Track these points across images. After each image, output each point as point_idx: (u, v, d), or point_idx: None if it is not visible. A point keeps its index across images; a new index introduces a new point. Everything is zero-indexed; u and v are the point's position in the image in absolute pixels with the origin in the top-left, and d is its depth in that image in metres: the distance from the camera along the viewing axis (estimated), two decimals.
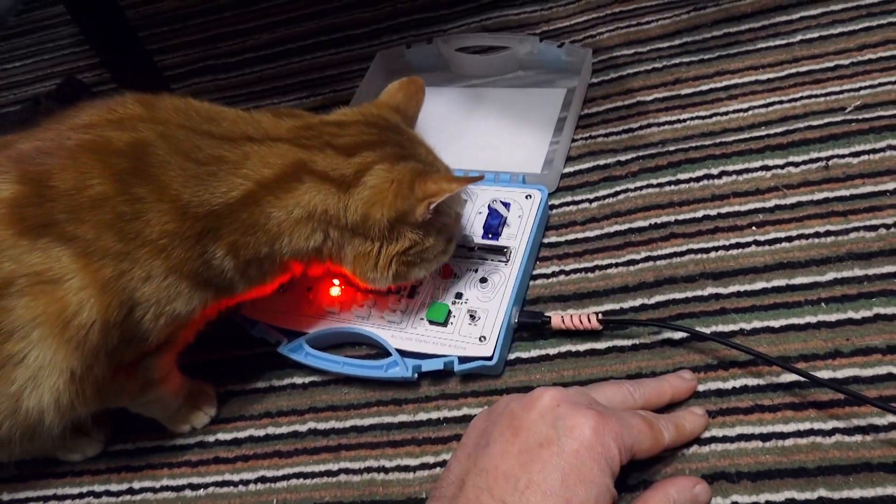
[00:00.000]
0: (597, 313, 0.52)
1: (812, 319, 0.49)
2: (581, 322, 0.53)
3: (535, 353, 0.54)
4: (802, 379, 0.45)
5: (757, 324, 0.50)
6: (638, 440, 0.41)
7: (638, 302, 0.54)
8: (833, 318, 0.49)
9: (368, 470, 0.51)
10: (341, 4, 0.93)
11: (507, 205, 0.60)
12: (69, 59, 1.05)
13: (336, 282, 0.59)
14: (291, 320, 0.59)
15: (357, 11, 0.91)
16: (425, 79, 0.77)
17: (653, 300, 0.54)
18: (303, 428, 0.55)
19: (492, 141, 0.69)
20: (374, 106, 0.56)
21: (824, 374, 0.46)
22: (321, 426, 0.55)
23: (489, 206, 0.60)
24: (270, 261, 0.49)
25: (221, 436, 0.57)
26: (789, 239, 0.54)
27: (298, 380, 0.58)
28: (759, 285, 0.52)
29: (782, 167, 0.58)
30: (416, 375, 0.54)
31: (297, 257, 0.50)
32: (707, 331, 0.50)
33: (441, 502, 0.40)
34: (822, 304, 0.49)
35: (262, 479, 0.53)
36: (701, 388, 0.48)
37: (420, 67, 0.78)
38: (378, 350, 0.57)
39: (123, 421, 0.58)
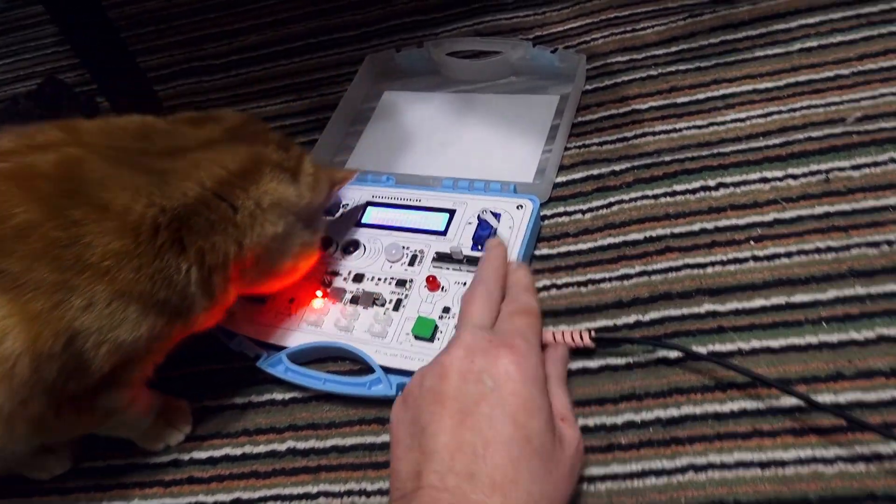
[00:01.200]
0: (589, 330, 0.50)
1: (813, 340, 0.47)
2: (573, 339, 0.50)
3: None
4: (803, 403, 0.43)
5: (756, 343, 0.48)
6: (536, 335, 0.43)
7: (632, 318, 0.52)
8: (835, 338, 0.47)
9: (349, 493, 0.49)
10: (331, 6, 0.91)
11: (497, 215, 0.58)
12: (51, 59, 1.02)
13: (319, 294, 0.57)
14: (271, 333, 0.56)
15: (347, 14, 0.89)
16: (416, 83, 0.76)
17: (647, 317, 0.52)
18: (281, 447, 0.53)
19: (482, 148, 0.67)
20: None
21: (826, 398, 0.44)
22: (301, 445, 0.52)
23: (479, 216, 0.58)
24: (237, 262, 0.47)
25: (196, 454, 0.54)
26: (789, 254, 0.52)
27: (278, 396, 0.56)
28: (757, 303, 0.50)
29: (781, 179, 0.56)
30: (400, 394, 0.51)
31: (256, 254, 0.48)
32: (704, 350, 0.48)
33: (404, 502, 0.37)
34: (824, 323, 0.48)
35: (238, 502, 0.51)
36: (697, 410, 0.46)
37: (410, 72, 0.76)
38: (362, 365, 0.54)
39: (93, 437, 0.55)
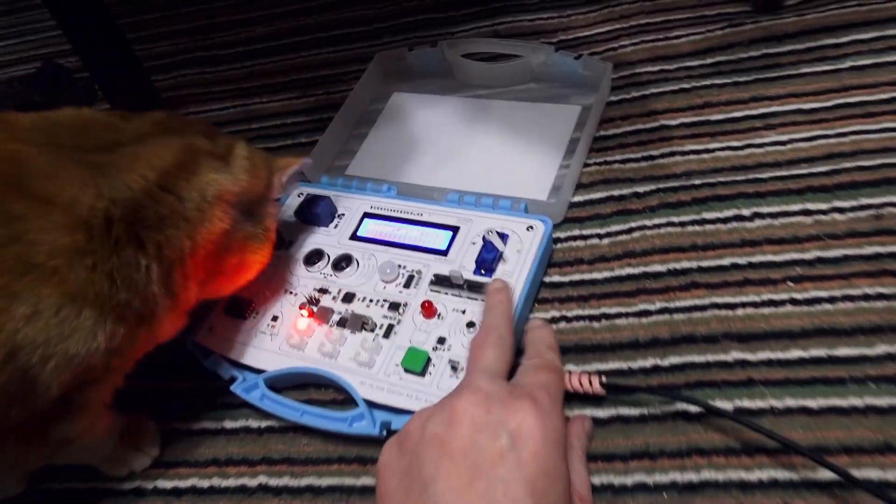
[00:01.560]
0: (600, 375, 0.45)
1: (857, 402, 0.41)
2: (581, 384, 0.45)
3: None
4: (842, 479, 0.37)
5: (790, 402, 0.42)
6: (560, 392, 0.40)
7: (649, 362, 0.46)
8: (884, 402, 0.41)
9: None
10: (343, 0, 0.86)
11: (504, 236, 0.52)
12: (56, 42, 0.98)
13: (304, 313, 0.52)
14: (250, 354, 0.51)
15: (360, 8, 0.84)
16: (427, 85, 0.71)
17: (667, 361, 0.46)
18: (252, 482, 0.48)
19: (494, 160, 0.61)
20: None
21: (870, 474, 0.38)
22: (273, 482, 0.47)
23: (484, 237, 0.52)
24: (193, 258, 0.44)
25: (161, 483, 0.49)
26: (832, 300, 0.46)
27: (254, 423, 0.51)
28: (794, 354, 0.44)
29: (826, 213, 0.50)
30: (384, 433, 0.46)
31: (209, 251, 0.45)
32: (730, 406, 0.43)
33: None
34: (871, 383, 0.42)
35: None
36: (720, 476, 0.40)
37: (422, 72, 0.70)
38: (345, 396, 0.49)
39: None
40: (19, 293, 0.35)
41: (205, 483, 0.48)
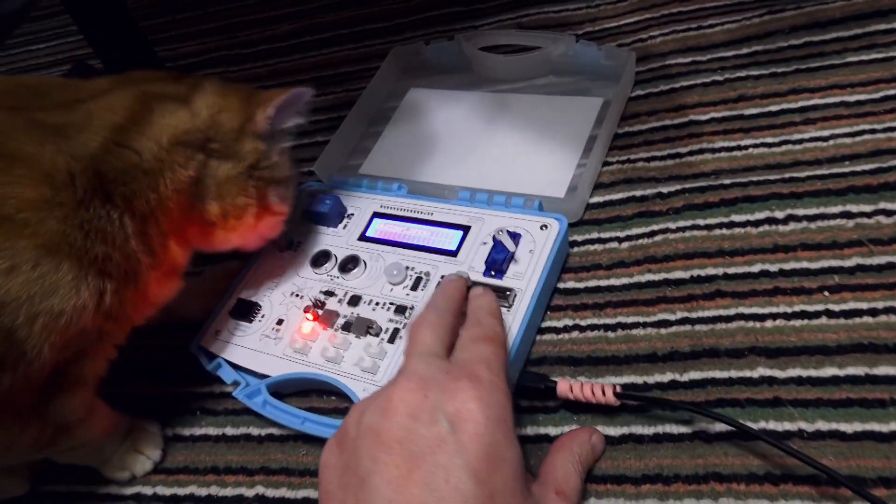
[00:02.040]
0: (613, 385, 0.41)
1: None
2: (593, 394, 0.42)
3: (531, 430, 0.43)
4: None
5: (822, 425, 0.38)
6: (502, 365, 0.36)
7: (667, 377, 0.43)
8: None
9: None
10: None
11: (516, 236, 0.49)
12: (86, 44, 1.00)
13: (309, 316, 0.50)
14: (253, 359, 0.50)
15: (382, 3, 0.82)
16: (444, 80, 0.68)
17: (686, 376, 0.42)
18: (250, 493, 0.46)
19: (510, 156, 0.59)
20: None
21: None
22: (270, 493, 0.46)
23: (494, 236, 0.50)
24: (163, 212, 0.43)
25: (161, 489, 0.48)
26: (873, 312, 0.41)
27: (255, 430, 0.49)
28: (828, 371, 0.40)
29: (870, 215, 0.46)
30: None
31: (181, 203, 0.44)
32: (754, 426, 0.39)
33: None
34: None
35: None
36: None
37: (439, 67, 0.68)
38: (348, 403, 0.47)
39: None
40: None
41: (203, 491, 0.47)
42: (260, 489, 0.46)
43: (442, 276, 0.49)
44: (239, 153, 0.46)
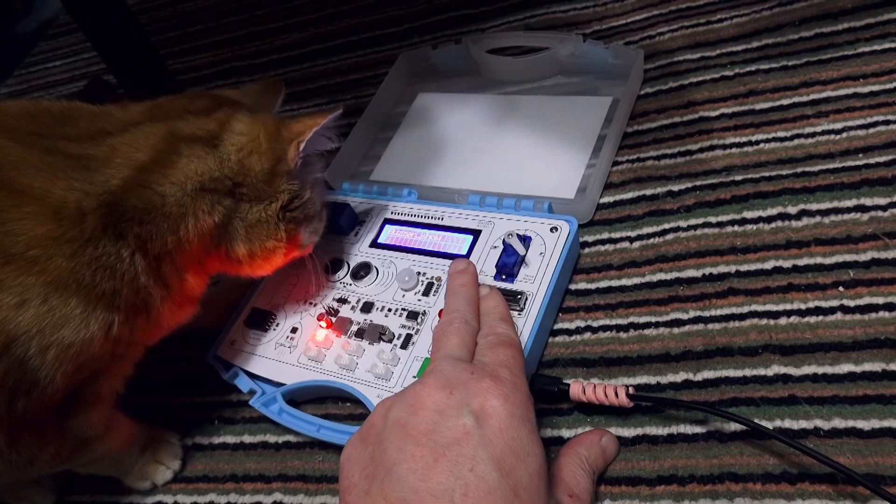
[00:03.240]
0: (626, 387, 0.41)
1: None
2: (606, 395, 0.42)
3: (546, 433, 0.43)
4: None
5: (839, 422, 0.38)
6: (521, 368, 0.37)
7: (680, 377, 0.42)
8: None
9: None
10: (375, 1, 0.85)
11: (526, 239, 0.49)
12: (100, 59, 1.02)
13: (322, 324, 0.51)
14: (269, 368, 0.51)
15: (392, 8, 0.82)
16: (453, 84, 0.68)
17: (700, 376, 0.42)
18: (268, 500, 0.47)
19: (519, 159, 0.59)
20: (222, 90, 0.51)
21: None
22: (288, 500, 0.46)
23: (504, 240, 0.50)
24: (181, 252, 0.42)
25: (181, 498, 0.49)
26: (890, 307, 0.41)
27: (272, 438, 0.50)
28: (844, 368, 0.39)
29: (884, 208, 0.45)
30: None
31: (204, 244, 0.43)
32: (769, 426, 0.38)
33: None
34: None
35: None
36: None
37: (447, 71, 0.68)
38: (363, 410, 0.48)
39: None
40: (3, 282, 0.36)
41: (222, 499, 0.48)
42: (278, 496, 0.47)
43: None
44: (270, 194, 0.44)
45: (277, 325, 0.53)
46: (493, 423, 0.32)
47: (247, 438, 0.51)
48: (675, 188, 0.51)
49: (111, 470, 0.49)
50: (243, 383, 0.51)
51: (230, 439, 0.51)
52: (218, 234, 0.44)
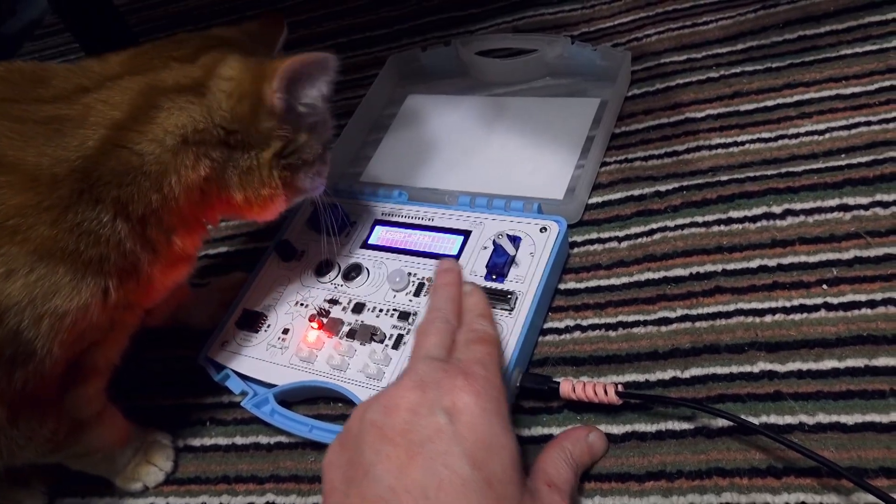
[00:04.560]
0: (615, 385, 0.42)
1: None
2: (595, 393, 0.42)
3: (536, 431, 0.44)
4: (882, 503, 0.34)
5: (823, 417, 0.38)
6: (496, 364, 0.37)
7: (668, 374, 0.43)
8: None
9: None
10: (364, 3, 0.85)
11: (515, 239, 0.50)
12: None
13: (314, 325, 0.51)
14: (261, 369, 0.51)
15: (382, 10, 0.83)
16: (442, 86, 0.69)
17: (687, 373, 0.43)
18: (260, 500, 0.47)
19: (509, 160, 0.59)
20: (215, 29, 0.48)
21: None
22: (280, 500, 0.46)
23: (494, 240, 0.50)
24: (167, 211, 0.41)
25: (173, 499, 0.49)
26: (872, 304, 0.42)
27: (263, 439, 0.50)
28: (828, 364, 0.40)
29: (866, 207, 0.46)
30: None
31: (191, 198, 0.42)
32: (755, 422, 0.39)
33: None
34: None
35: None
36: (743, 499, 0.37)
37: (436, 73, 0.69)
38: None
39: (71, 472, 0.51)
40: None
41: (214, 500, 0.48)
42: (270, 497, 0.47)
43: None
44: (261, 141, 0.42)
45: (269, 326, 0.53)
46: (464, 419, 0.33)
47: (239, 440, 0.51)
48: (663, 188, 0.52)
49: (103, 468, 0.49)
50: (235, 385, 0.51)
51: (222, 440, 0.51)
52: (210, 185, 0.42)
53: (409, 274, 0.51)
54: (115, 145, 0.39)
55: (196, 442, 0.52)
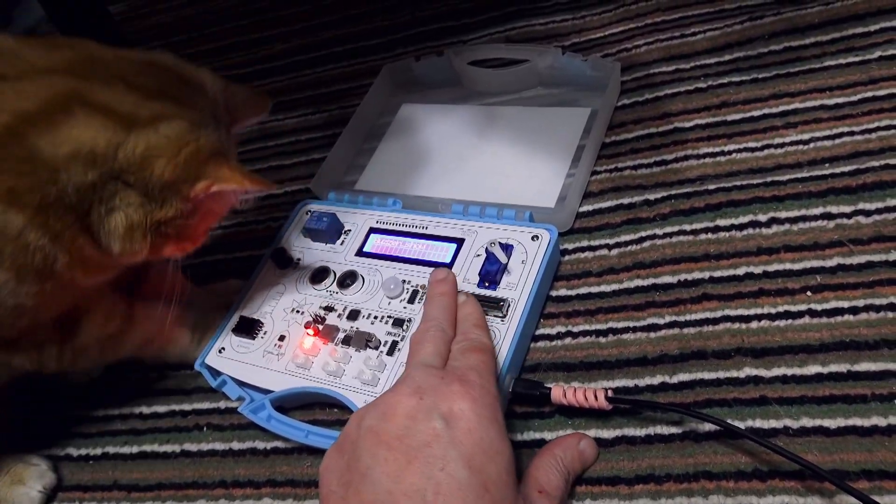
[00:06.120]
0: (605, 390, 0.43)
1: (881, 422, 0.38)
2: (586, 398, 0.43)
3: (528, 435, 0.45)
4: None
5: (807, 422, 0.39)
6: (491, 372, 0.39)
7: (657, 379, 0.44)
8: None
9: None
10: (359, 13, 0.86)
11: (508, 247, 0.51)
12: None
13: (310, 332, 0.52)
14: (257, 375, 0.51)
15: (376, 20, 0.84)
16: (435, 95, 0.70)
17: (675, 378, 0.44)
18: None
19: (501, 168, 0.60)
20: (202, 70, 0.48)
21: (894, 501, 0.35)
22: None
23: (487, 248, 0.51)
24: (68, 204, 0.40)
25: None
26: (854, 310, 0.43)
27: (260, 444, 0.51)
28: (812, 369, 0.41)
29: (849, 216, 0.47)
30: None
31: (85, 198, 0.41)
32: (741, 425, 0.40)
33: None
34: None
35: None
36: (729, 501, 0.38)
37: (430, 82, 0.70)
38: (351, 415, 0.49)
39: (73, 472, 0.52)
40: None
41: None
42: (267, 501, 0.48)
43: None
44: (155, 198, 0.42)
45: (265, 332, 0.53)
46: (461, 425, 0.34)
47: (236, 445, 0.51)
48: (652, 197, 0.53)
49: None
50: (232, 390, 0.52)
51: (219, 446, 0.52)
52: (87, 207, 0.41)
53: (404, 281, 0.52)
54: (16, 134, 0.39)
55: (193, 447, 0.52)
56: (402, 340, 0.49)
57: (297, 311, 0.54)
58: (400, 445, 0.33)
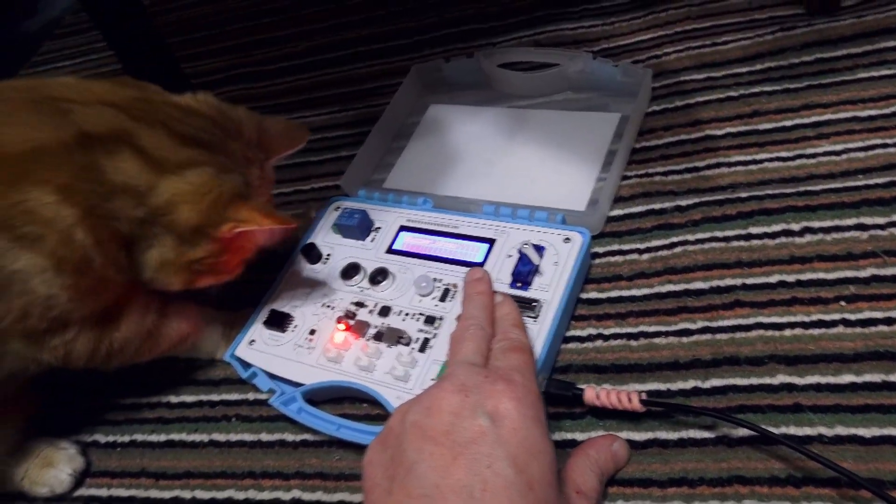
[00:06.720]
0: (639, 392, 0.43)
1: None
2: (619, 401, 0.43)
3: (558, 436, 0.45)
4: None
5: (841, 430, 0.40)
6: (532, 372, 0.39)
7: (689, 384, 0.44)
8: None
9: None
10: (385, 13, 0.86)
11: (540, 249, 0.51)
12: (116, 59, 1.02)
13: (341, 327, 0.52)
14: (288, 368, 0.52)
15: (402, 21, 0.84)
16: (464, 97, 0.70)
17: (708, 383, 0.44)
18: (286, 496, 0.48)
19: (531, 171, 0.60)
20: (239, 110, 0.51)
21: None
22: (306, 497, 0.48)
23: (519, 250, 0.51)
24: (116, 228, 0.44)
25: (199, 493, 0.50)
26: (889, 321, 0.43)
27: (289, 436, 0.51)
28: (846, 378, 0.42)
29: (883, 227, 0.47)
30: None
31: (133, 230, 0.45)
32: (775, 432, 0.40)
33: None
34: None
35: None
36: None
37: (459, 84, 0.70)
38: (379, 410, 0.49)
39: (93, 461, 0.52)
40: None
41: (241, 495, 0.49)
42: (296, 493, 0.48)
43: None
44: (187, 240, 0.45)
45: (296, 326, 0.54)
46: (507, 424, 0.34)
47: (264, 437, 0.52)
48: (683, 203, 0.54)
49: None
50: (262, 383, 0.52)
51: (248, 437, 0.52)
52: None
53: (435, 279, 0.53)
54: (86, 146, 0.42)
55: (221, 437, 0.53)
56: (433, 338, 0.50)
57: (328, 307, 0.54)
58: (446, 441, 0.34)
